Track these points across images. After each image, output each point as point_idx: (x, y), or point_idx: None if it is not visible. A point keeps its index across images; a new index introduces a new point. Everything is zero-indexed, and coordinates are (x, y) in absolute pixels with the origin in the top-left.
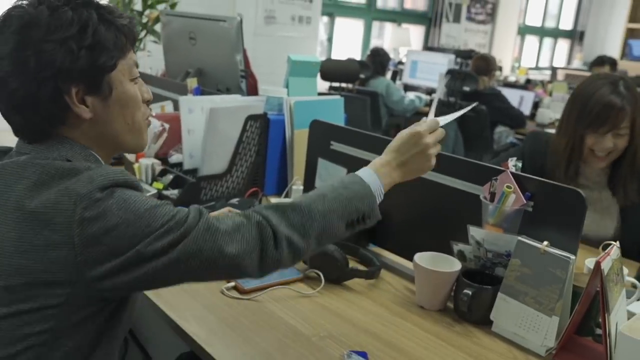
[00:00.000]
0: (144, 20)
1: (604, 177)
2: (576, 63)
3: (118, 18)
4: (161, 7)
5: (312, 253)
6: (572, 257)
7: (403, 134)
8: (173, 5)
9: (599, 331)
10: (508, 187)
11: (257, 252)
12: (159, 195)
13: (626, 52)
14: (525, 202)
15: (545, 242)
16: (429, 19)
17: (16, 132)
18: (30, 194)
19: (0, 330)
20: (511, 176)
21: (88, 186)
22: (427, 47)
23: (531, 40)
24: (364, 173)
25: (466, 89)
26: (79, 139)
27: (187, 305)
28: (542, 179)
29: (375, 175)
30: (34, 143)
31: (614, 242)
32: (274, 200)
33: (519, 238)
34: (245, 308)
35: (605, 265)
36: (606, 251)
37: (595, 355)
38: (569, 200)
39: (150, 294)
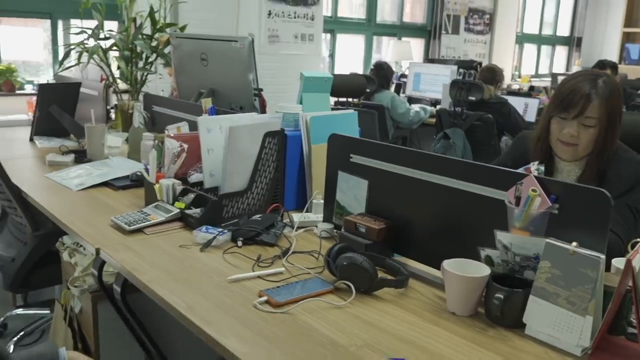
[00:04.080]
0: (154, 43)
1: (574, 176)
2: (575, 69)
3: None
4: (170, 30)
5: None
6: (602, 256)
7: None
8: (183, 28)
9: (630, 329)
10: (533, 190)
11: None
12: (182, 214)
13: (624, 56)
14: (550, 204)
15: (574, 243)
16: (428, 32)
17: None
18: None
19: None
20: (535, 180)
21: None
22: (428, 59)
23: (530, 48)
24: None
25: (472, 98)
26: None
27: (222, 320)
28: (566, 182)
29: None
30: None
31: None
32: (295, 215)
33: (547, 240)
34: (280, 321)
35: (637, 263)
36: (635, 249)
37: (631, 353)
38: (594, 200)
39: (183, 309)
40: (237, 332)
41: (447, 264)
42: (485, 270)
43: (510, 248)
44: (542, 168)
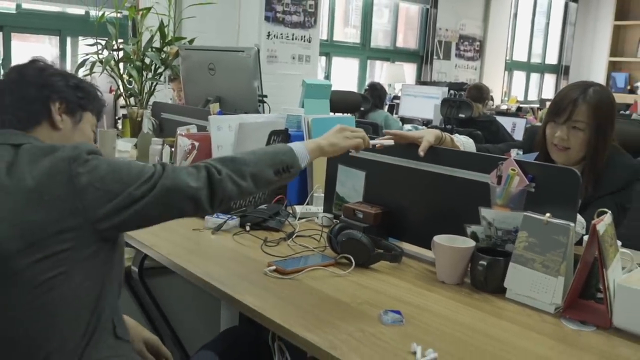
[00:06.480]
0: (163, 55)
1: None
2: None
3: (94, 90)
4: (178, 43)
5: (254, 192)
6: (572, 224)
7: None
8: (191, 41)
9: (599, 295)
10: (512, 169)
11: (207, 188)
12: None
13: (610, 84)
14: (528, 182)
15: (548, 214)
16: (421, 57)
17: None
18: (28, 169)
19: (23, 278)
20: (514, 162)
21: (75, 151)
22: (421, 82)
23: (519, 75)
24: (292, 144)
25: (461, 115)
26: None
27: (237, 283)
28: (541, 162)
29: (302, 144)
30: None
31: (608, 210)
32: (297, 207)
33: (525, 213)
34: (288, 285)
35: (600, 228)
36: (600, 217)
37: (597, 311)
38: (565, 178)
39: (202, 275)
40: (251, 292)
41: (437, 238)
42: (470, 243)
43: (493, 223)
44: (522, 153)
